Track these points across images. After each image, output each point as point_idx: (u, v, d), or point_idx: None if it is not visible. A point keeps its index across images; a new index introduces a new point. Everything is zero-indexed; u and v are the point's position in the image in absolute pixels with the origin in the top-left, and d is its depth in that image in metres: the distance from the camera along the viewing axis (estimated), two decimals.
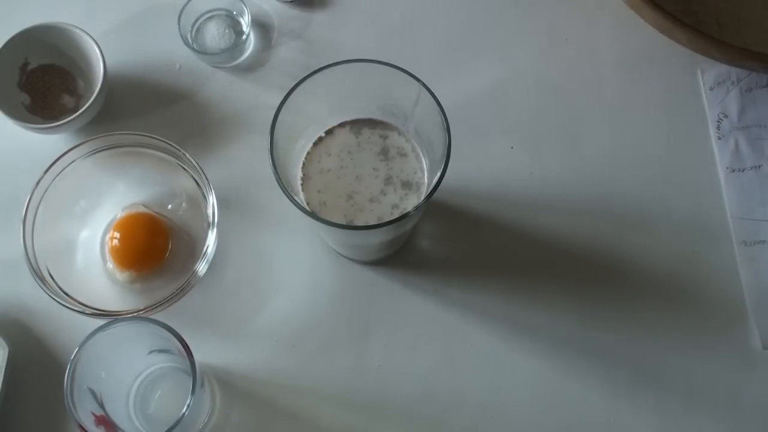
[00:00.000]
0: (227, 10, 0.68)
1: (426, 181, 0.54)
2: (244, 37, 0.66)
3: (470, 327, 0.60)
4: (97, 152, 0.60)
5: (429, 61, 0.67)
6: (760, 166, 0.64)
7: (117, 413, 0.52)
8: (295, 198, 0.48)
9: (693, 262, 0.62)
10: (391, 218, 0.50)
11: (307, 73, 0.49)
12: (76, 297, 0.57)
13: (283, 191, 0.48)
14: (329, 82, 0.50)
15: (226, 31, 0.67)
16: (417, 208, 0.48)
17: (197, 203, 0.60)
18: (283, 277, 0.61)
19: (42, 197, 0.58)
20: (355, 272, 0.61)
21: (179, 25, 0.65)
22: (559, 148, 0.65)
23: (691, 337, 0.60)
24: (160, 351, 0.55)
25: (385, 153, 0.54)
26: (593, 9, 0.70)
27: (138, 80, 0.67)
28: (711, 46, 0.58)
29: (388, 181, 0.54)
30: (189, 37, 0.67)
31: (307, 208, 0.53)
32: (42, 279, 0.56)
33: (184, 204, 0.62)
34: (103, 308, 0.56)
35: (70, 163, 0.59)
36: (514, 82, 0.67)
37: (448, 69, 0.67)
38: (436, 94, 0.48)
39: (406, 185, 0.53)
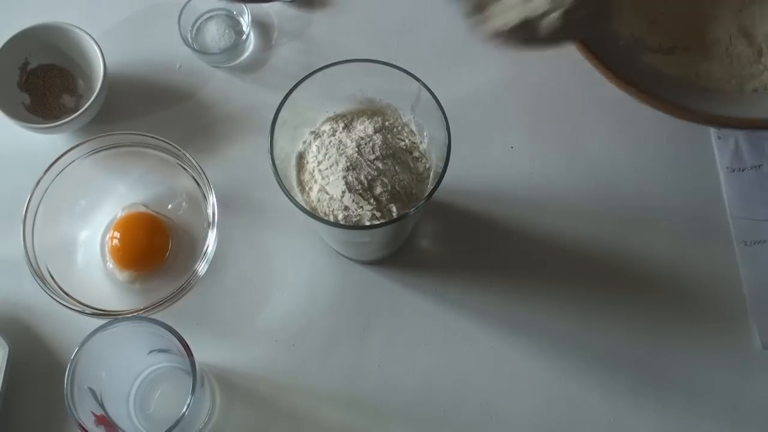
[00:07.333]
0: (227, 10, 0.68)
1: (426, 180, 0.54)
2: (244, 37, 0.66)
3: (470, 326, 0.60)
4: (97, 152, 0.60)
5: (429, 61, 0.67)
6: (760, 166, 0.64)
7: (117, 413, 0.52)
8: (295, 198, 0.48)
9: (693, 262, 0.62)
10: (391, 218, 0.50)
11: (307, 73, 0.49)
12: (76, 297, 0.57)
13: (283, 191, 0.48)
14: (329, 81, 0.50)
15: (226, 31, 0.67)
16: (417, 208, 0.48)
17: (197, 203, 0.60)
18: (283, 277, 0.61)
19: (42, 197, 0.58)
20: (355, 272, 0.61)
21: (179, 25, 0.65)
22: (559, 148, 0.65)
23: (691, 337, 0.60)
24: (160, 351, 0.55)
25: None
26: None
27: (138, 80, 0.67)
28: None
29: None
30: (189, 37, 0.67)
31: (306, 207, 0.53)
32: (42, 279, 0.56)
33: (184, 204, 0.62)
34: (103, 308, 0.56)
35: (70, 163, 0.59)
36: (514, 82, 0.67)
37: (448, 69, 0.67)
38: (436, 94, 0.48)
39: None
